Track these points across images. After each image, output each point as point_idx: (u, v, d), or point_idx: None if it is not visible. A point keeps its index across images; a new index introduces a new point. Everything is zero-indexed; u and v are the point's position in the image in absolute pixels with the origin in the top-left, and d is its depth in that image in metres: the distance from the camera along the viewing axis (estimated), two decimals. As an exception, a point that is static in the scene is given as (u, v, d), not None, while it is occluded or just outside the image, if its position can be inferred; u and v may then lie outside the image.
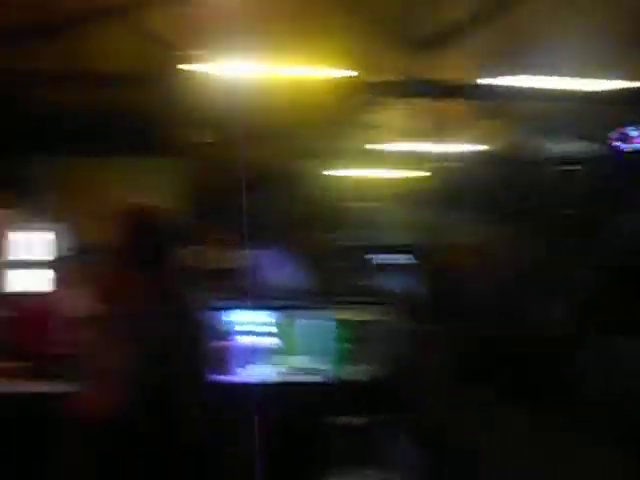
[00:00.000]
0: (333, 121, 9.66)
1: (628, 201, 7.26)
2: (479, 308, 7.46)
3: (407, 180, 9.21)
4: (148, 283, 3.88)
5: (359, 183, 10.97)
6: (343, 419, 5.68)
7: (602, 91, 6.89)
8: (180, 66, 5.96)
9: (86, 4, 6.27)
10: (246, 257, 8.30)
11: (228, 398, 5.01)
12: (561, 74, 6.67)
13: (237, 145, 6.30)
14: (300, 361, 5.89)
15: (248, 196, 5.73)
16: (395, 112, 9.34)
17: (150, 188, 8.34)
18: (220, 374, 5.29)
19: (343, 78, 7.72)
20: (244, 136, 6.13)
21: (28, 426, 5.03)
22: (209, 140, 8.87)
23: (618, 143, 7.71)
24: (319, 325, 6.00)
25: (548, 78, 6.74)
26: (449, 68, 7.84)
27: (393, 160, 9.91)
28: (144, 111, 8.08)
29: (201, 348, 4.18)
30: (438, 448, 5.68)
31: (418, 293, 6.98)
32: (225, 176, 8.53)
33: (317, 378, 5.74)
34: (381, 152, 9.88)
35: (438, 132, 8.45)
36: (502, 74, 7.07)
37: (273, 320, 5.85)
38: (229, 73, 6.12)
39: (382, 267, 10.74)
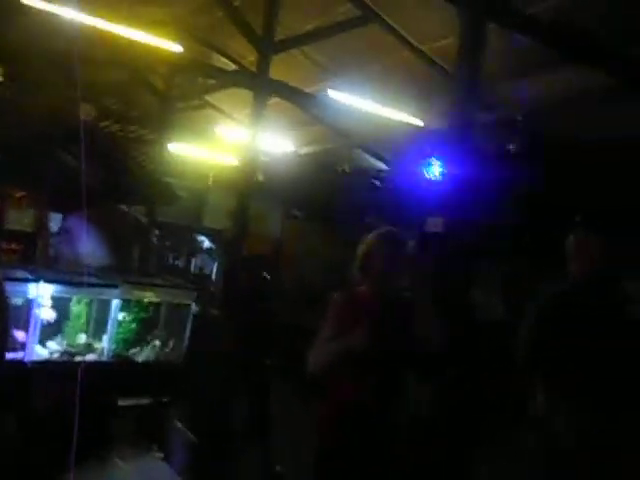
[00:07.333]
0: (173, 92, 9.93)
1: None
2: (275, 297, 7.80)
3: (235, 166, 9.44)
4: None
5: (191, 162, 10.98)
6: (124, 398, 5.38)
7: (406, 122, 7.73)
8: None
9: None
10: (46, 222, 7.70)
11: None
12: (376, 101, 7.46)
13: (49, 92, 5.85)
14: (85, 339, 5.48)
15: (59, 154, 5.31)
16: (238, 101, 9.88)
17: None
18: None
19: (192, 56, 8.14)
20: (60, 84, 5.68)
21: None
22: (13, 76, 7.92)
23: (422, 170, 8.56)
24: (110, 303, 5.50)
25: (364, 100, 7.51)
26: (293, 72, 8.48)
27: (226, 144, 10.30)
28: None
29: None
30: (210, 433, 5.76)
31: (219, 278, 7.02)
32: (31, 125, 7.97)
33: (101, 357, 5.43)
34: (217, 134, 10.24)
35: (272, 127, 8.94)
36: (332, 88, 7.76)
37: (61, 294, 5.20)
38: (60, 14, 5.78)
39: (205, 250, 10.97)
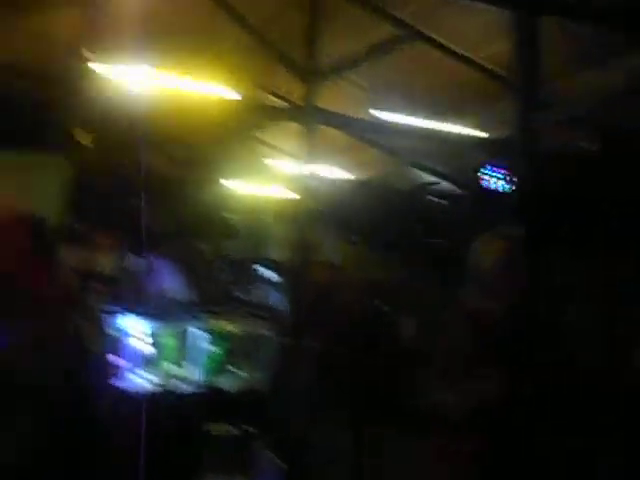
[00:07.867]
0: (227, 135, 10.16)
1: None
2: (347, 326, 7.81)
3: (291, 198, 9.59)
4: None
5: (248, 197, 11.40)
6: (214, 427, 5.61)
7: (460, 134, 7.69)
8: (78, 65, 6.26)
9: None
10: (129, 263, 8.09)
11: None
12: (424, 117, 7.45)
13: (128, 149, 6.48)
14: (175, 370, 5.80)
15: (136, 201, 5.78)
16: (287, 134, 9.96)
17: (33, 186, 8.14)
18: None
19: (242, 98, 8.33)
20: (135, 140, 6.29)
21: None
22: (98, 140, 8.81)
23: (483, 182, 8.48)
24: (194, 334, 5.93)
25: (415, 118, 7.50)
26: (340, 98, 8.51)
27: (280, 178, 10.45)
28: (36, 104, 8.00)
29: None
30: (297, 462, 5.66)
31: (292, 308, 6.98)
32: (113, 179, 8.61)
33: (190, 387, 5.69)
34: (271, 169, 10.43)
35: (323, 156, 8.98)
36: (381, 109, 7.76)
37: (150, 328, 5.65)
38: (127, 78, 6.39)
39: (265, 280, 11.17)
